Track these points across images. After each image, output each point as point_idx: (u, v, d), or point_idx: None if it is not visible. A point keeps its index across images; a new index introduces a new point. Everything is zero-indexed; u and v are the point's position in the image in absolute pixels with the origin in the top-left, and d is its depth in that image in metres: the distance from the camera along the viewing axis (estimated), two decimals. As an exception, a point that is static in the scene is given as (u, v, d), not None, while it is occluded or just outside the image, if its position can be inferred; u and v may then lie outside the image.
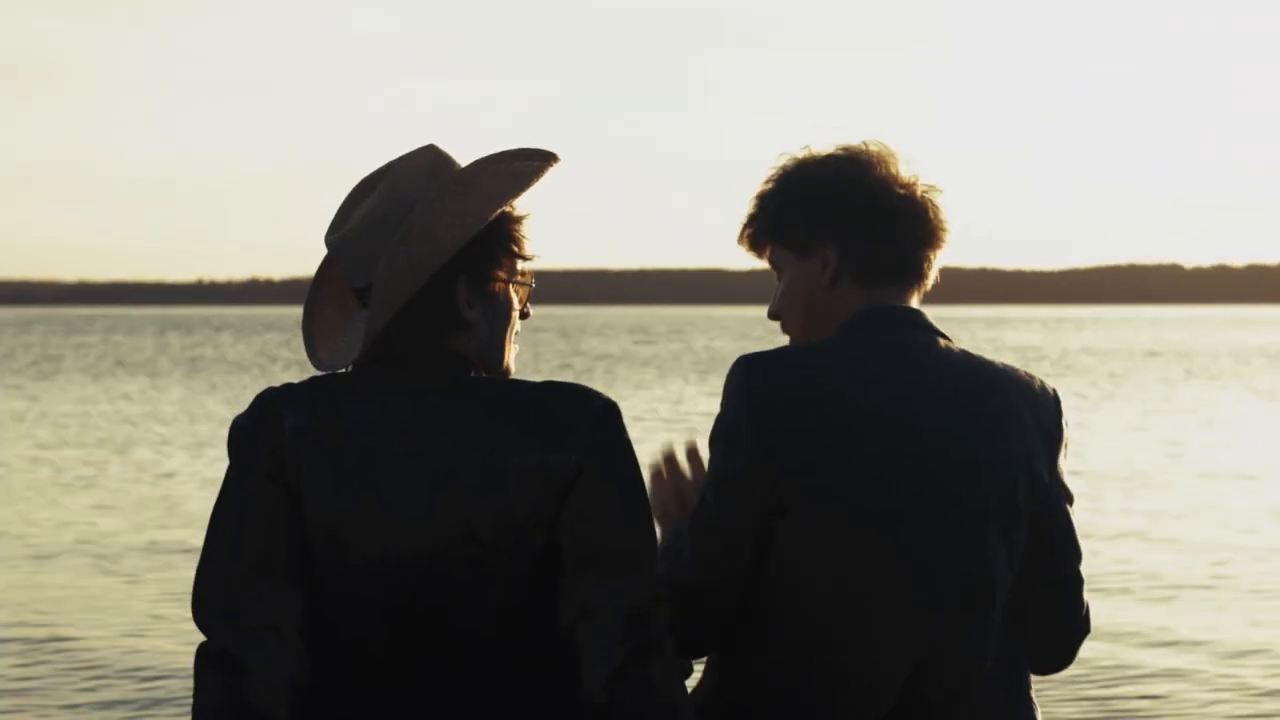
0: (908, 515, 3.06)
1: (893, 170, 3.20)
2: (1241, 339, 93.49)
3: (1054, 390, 3.22)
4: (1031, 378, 3.20)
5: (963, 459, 3.09)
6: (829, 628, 3.07)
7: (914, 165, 3.23)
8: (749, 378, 3.09)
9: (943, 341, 3.17)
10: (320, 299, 3.08)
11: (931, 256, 3.22)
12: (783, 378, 3.08)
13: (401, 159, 3.01)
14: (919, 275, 3.22)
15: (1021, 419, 3.13)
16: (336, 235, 3.00)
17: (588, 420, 2.92)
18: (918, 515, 3.07)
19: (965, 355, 3.18)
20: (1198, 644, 11.60)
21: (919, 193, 3.20)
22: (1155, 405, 37.06)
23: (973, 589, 3.08)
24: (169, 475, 22.47)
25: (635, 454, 2.96)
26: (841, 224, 3.18)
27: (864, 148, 3.22)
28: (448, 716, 2.89)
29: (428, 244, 2.90)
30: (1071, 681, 10.20)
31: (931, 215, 3.20)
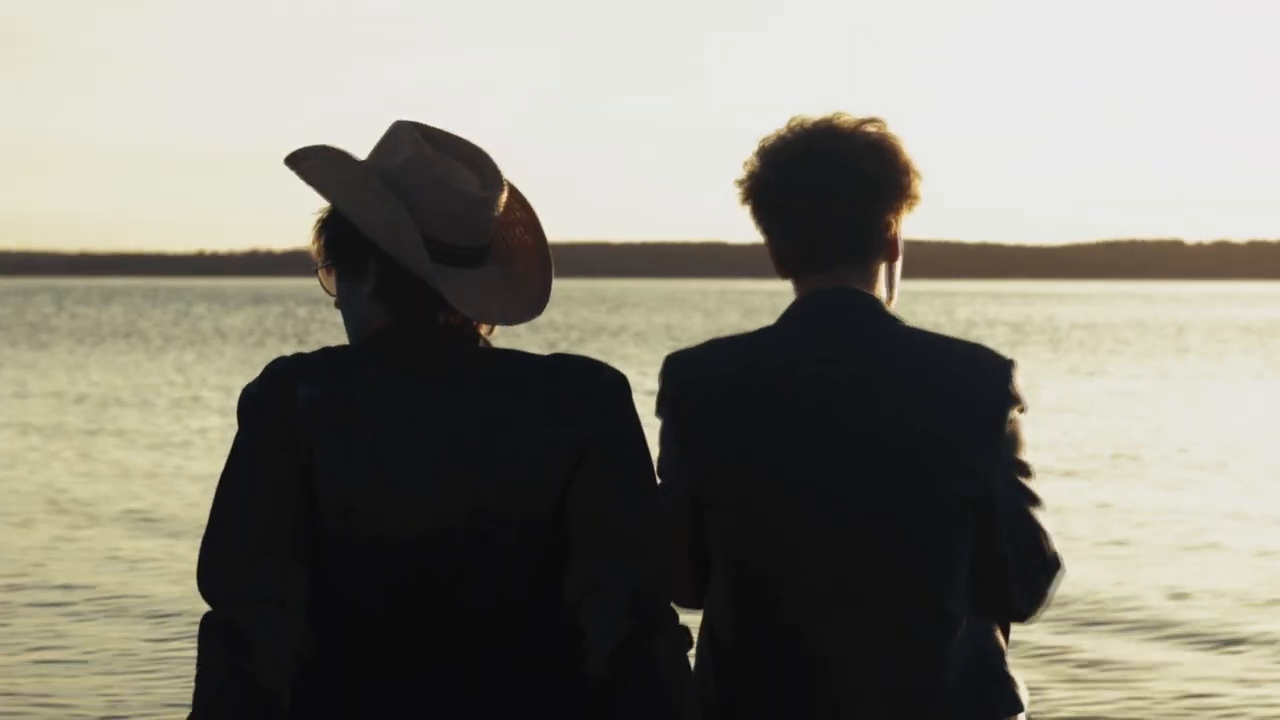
0: (836, 500, 3.07)
1: (828, 150, 3.14)
2: (1241, 315, 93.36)
3: (1007, 362, 3.13)
4: (980, 351, 3.14)
5: (888, 436, 3.07)
6: (783, 614, 3.08)
7: (872, 130, 3.17)
8: (673, 374, 3.16)
9: (881, 320, 3.14)
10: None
11: (871, 234, 3.16)
12: (702, 373, 3.14)
13: (441, 132, 2.99)
14: (861, 254, 3.17)
15: (958, 394, 3.08)
16: (478, 194, 2.95)
17: (596, 394, 2.93)
18: (848, 497, 3.07)
19: (904, 332, 3.14)
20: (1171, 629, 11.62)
21: (858, 171, 3.13)
22: (1138, 380, 37.03)
23: (915, 568, 3.07)
24: (161, 444, 22.46)
25: (643, 429, 2.97)
26: (761, 221, 3.22)
27: (805, 128, 3.18)
28: (452, 694, 2.89)
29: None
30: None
31: (858, 197, 3.14)
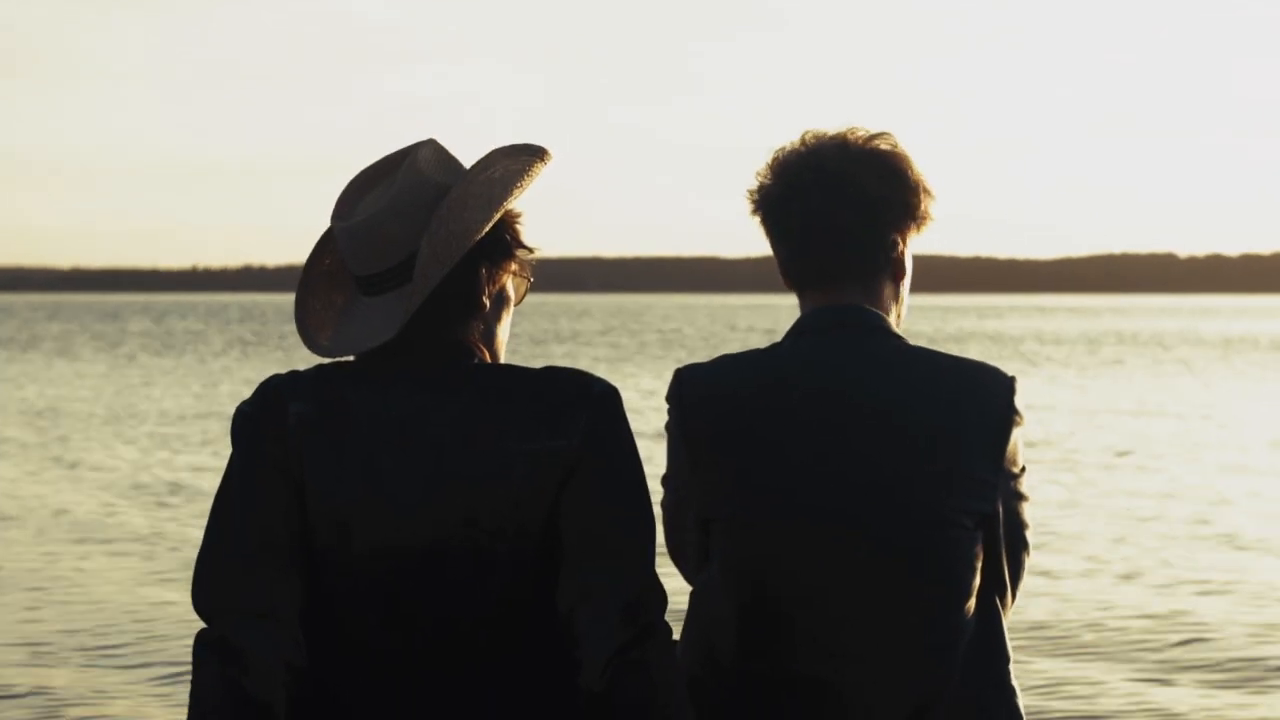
0: (846, 521, 3.08)
1: (835, 166, 3.15)
2: (1231, 329, 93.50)
3: (1008, 380, 3.15)
4: (982, 368, 3.15)
5: (896, 457, 3.08)
6: (790, 631, 3.10)
7: (883, 146, 3.17)
8: (679, 389, 3.19)
9: (879, 338, 3.15)
10: (310, 289, 3.08)
11: (877, 252, 3.17)
12: (707, 389, 3.16)
13: (416, 149, 2.99)
14: (866, 272, 3.18)
15: (964, 413, 3.09)
16: (350, 222, 2.96)
17: (587, 405, 2.93)
18: (858, 518, 3.08)
19: (908, 350, 3.15)
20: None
21: (863, 188, 3.14)
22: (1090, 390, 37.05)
23: (928, 584, 3.09)
24: (151, 461, 22.43)
25: (634, 440, 2.97)
26: (768, 234, 3.23)
27: (816, 142, 3.19)
28: (446, 705, 2.90)
29: (461, 223, 2.91)
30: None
31: (863, 215, 3.15)
